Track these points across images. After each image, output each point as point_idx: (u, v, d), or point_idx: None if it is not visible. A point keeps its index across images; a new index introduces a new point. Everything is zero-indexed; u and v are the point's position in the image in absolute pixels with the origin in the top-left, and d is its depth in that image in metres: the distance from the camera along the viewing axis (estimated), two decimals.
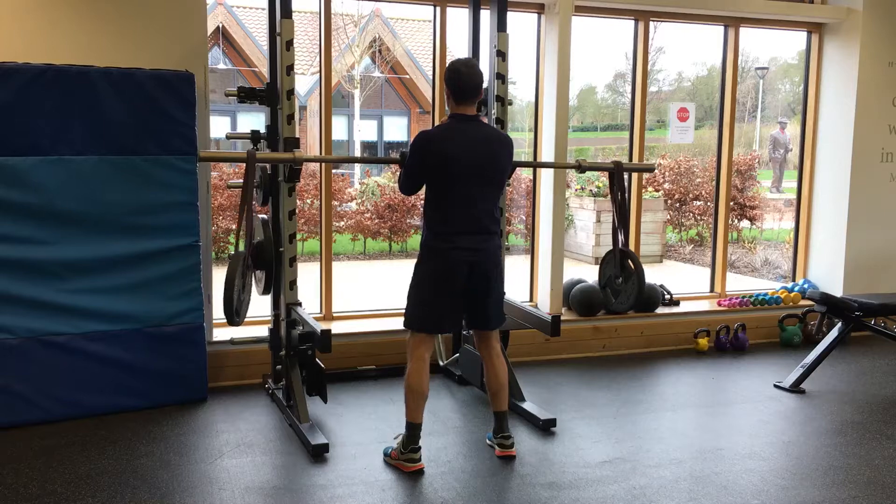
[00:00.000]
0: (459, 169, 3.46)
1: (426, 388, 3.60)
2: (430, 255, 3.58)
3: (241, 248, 3.78)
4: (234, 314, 3.57)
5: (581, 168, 4.28)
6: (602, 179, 10.59)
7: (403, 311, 3.68)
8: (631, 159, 6.06)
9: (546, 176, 5.57)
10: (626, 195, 4.21)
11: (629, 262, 4.06)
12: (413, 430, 3.58)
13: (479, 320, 3.72)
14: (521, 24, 5.67)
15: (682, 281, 8.16)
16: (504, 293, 3.85)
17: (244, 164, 3.79)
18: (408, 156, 3.59)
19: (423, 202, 3.64)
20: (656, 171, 10.78)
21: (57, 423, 4.08)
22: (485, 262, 3.57)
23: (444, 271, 3.53)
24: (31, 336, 4.09)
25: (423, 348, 3.61)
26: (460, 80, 3.51)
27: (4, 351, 4.03)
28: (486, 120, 4.50)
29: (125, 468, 3.55)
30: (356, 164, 15.67)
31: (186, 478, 3.47)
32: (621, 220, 4.14)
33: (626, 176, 5.67)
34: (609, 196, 4.24)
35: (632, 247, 6.11)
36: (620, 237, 4.22)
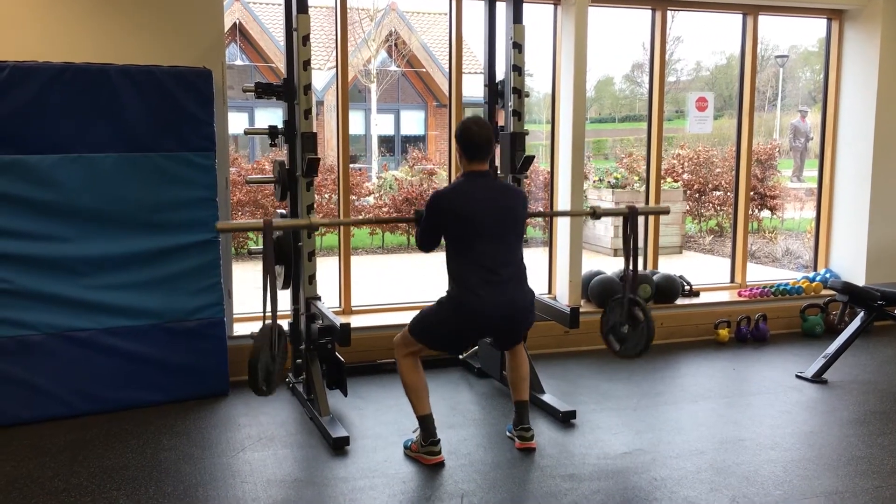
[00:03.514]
0: (477, 225, 3.47)
1: (424, 381, 3.63)
2: (456, 307, 3.50)
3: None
4: (262, 385, 3.52)
5: (596, 215, 4.24)
6: (620, 171, 10.56)
7: (412, 322, 3.64)
8: (649, 150, 6.03)
9: (564, 167, 5.55)
10: (637, 240, 4.15)
11: (638, 310, 4.02)
12: (426, 423, 3.60)
13: (507, 346, 3.78)
14: (537, 15, 5.66)
15: (702, 272, 8.12)
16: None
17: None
18: (424, 215, 3.61)
19: (445, 256, 3.62)
20: (675, 161, 10.73)
21: (80, 417, 4.13)
22: (519, 316, 3.56)
23: (470, 321, 3.49)
24: (53, 332, 4.14)
25: (415, 352, 3.64)
26: (471, 138, 3.53)
27: (28, 347, 4.09)
28: (500, 176, 4.51)
29: (149, 462, 3.59)
30: (374, 159, 15.71)
31: (209, 471, 3.50)
32: (634, 271, 4.08)
33: (642, 170, 5.64)
34: (622, 249, 4.14)
35: (650, 238, 6.09)
36: (629, 285, 4.12)
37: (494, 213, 3.50)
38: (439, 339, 3.58)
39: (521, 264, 3.61)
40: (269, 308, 3.48)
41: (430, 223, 3.58)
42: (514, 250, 3.58)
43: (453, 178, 5.50)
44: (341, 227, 5.27)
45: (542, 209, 9.84)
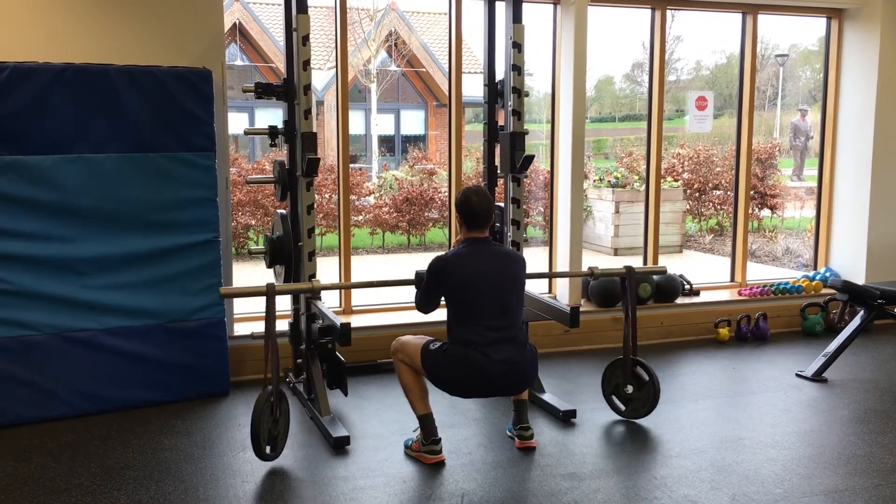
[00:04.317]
0: (479, 288, 3.49)
1: (422, 381, 3.64)
2: (460, 362, 3.46)
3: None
4: (264, 449, 3.54)
5: (594, 276, 4.25)
6: (621, 170, 10.56)
7: (425, 352, 3.58)
8: (649, 149, 6.04)
9: (564, 166, 5.56)
10: (636, 304, 4.15)
11: (641, 370, 4.05)
12: (426, 422, 3.61)
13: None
14: (536, 14, 5.66)
15: (702, 271, 8.13)
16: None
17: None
18: (424, 278, 3.64)
19: (446, 319, 3.62)
20: (675, 161, 10.73)
21: (82, 417, 4.14)
22: (523, 373, 3.55)
23: (473, 380, 3.46)
24: (55, 332, 4.15)
25: (411, 363, 3.62)
26: (471, 208, 3.58)
27: (29, 347, 4.09)
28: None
29: (149, 461, 3.59)
30: (374, 159, 15.72)
31: (210, 470, 3.51)
32: (632, 328, 4.10)
33: (642, 169, 5.64)
34: (622, 307, 4.13)
35: (651, 237, 6.10)
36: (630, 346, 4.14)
37: (495, 278, 3.53)
38: (445, 384, 3.54)
39: (521, 327, 3.64)
40: (270, 369, 3.49)
41: (431, 287, 3.61)
42: (515, 313, 3.60)
43: (453, 179, 5.51)
44: (341, 227, 5.28)
45: (542, 208, 9.85)
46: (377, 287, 4.14)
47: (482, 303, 3.49)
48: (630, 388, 4.08)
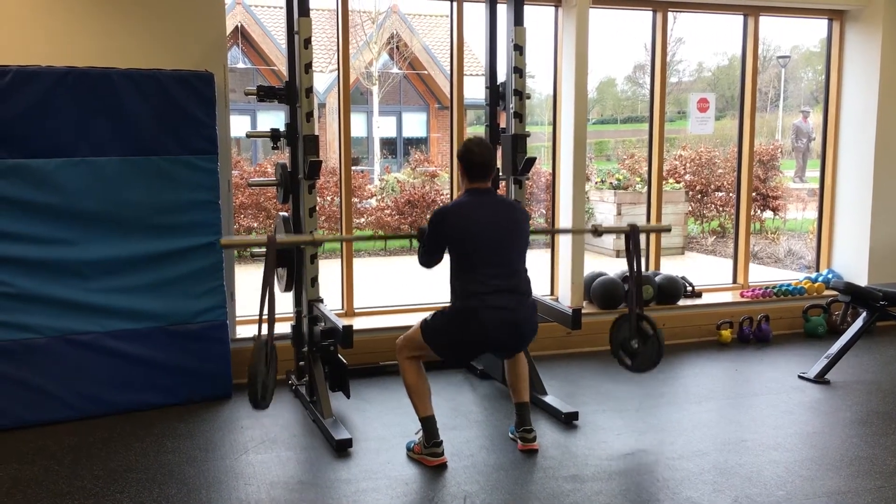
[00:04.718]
0: (481, 240, 3.49)
1: (426, 383, 3.65)
2: (463, 317, 3.50)
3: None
4: (261, 399, 3.54)
5: (597, 233, 4.25)
6: (621, 171, 10.56)
7: (423, 326, 3.63)
8: (651, 150, 6.04)
9: (566, 168, 5.56)
10: (641, 258, 4.16)
11: (646, 325, 4.05)
12: (428, 424, 3.60)
13: (510, 356, 3.78)
14: (538, 17, 5.66)
15: (705, 273, 8.12)
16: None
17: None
18: (426, 231, 3.64)
19: (449, 275, 3.62)
20: (677, 162, 10.73)
21: (84, 420, 4.14)
22: (522, 323, 3.55)
23: (476, 335, 3.49)
24: (57, 335, 4.15)
25: (417, 356, 3.65)
26: (472, 158, 3.59)
27: (32, 350, 4.10)
28: (502, 192, 4.51)
29: (152, 464, 3.59)
30: (376, 161, 15.73)
31: (212, 473, 3.51)
32: (638, 288, 4.10)
33: (644, 171, 5.63)
34: (627, 266, 4.16)
35: (653, 240, 6.10)
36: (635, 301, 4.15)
37: (498, 228, 3.53)
38: (446, 347, 3.58)
39: (525, 277, 3.63)
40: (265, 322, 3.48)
41: (433, 239, 3.61)
42: (518, 264, 3.60)
43: (455, 180, 5.51)
44: (343, 229, 5.28)
45: (544, 210, 9.85)
46: (378, 240, 4.17)
47: (482, 253, 3.48)
48: (636, 343, 4.07)
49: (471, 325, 3.47)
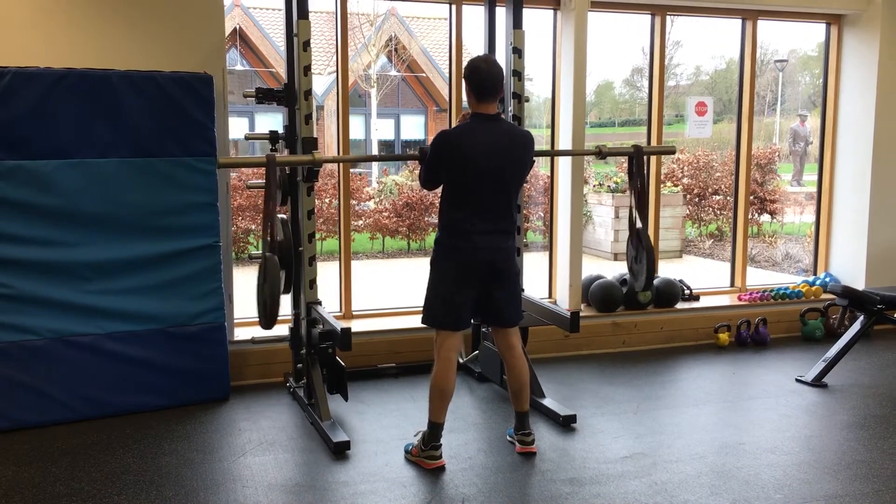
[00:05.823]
0: (478, 169, 3.46)
1: (452, 388, 3.60)
2: (447, 253, 3.57)
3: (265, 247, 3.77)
4: (273, 317, 3.57)
5: (602, 154, 4.27)
6: (620, 175, 10.57)
7: (422, 309, 3.69)
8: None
9: (564, 171, 5.57)
10: (645, 181, 4.22)
11: (643, 240, 4.10)
12: (435, 429, 3.60)
13: (492, 316, 3.73)
14: (536, 20, 5.67)
15: (702, 276, 8.13)
16: (520, 292, 3.85)
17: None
18: (428, 152, 3.60)
19: (439, 200, 3.65)
20: (675, 166, 10.74)
21: (82, 422, 4.14)
22: (501, 262, 3.57)
23: (462, 268, 3.54)
24: (56, 337, 4.15)
25: (448, 346, 3.60)
26: (480, 76, 3.49)
27: (30, 352, 4.10)
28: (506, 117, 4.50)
29: (150, 466, 3.59)
30: (374, 164, 15.74)
31: (210, 475, 3.51)
32: (639, 205, 4.15)
33: (644, 170, 5.63)
34: (628, 186, 4.23)
35: (652, 240, 6.08)
36: (637, 219, 4.23)
37: (497, 158, 3.48)
38: (447, 306, 3.56)
39: (513, 218, 3.63)
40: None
41: (433, 159, 3.56)
42: (510, 202, 3.58)
43: None
44: (341, 231, 5.28)
45: (542, 213, 9.86)
46: (377, 161, 4.25)
47: (479, 184, 3.47)
48: (635, 259, 4.15)
49: (458, 258, 3.51)
